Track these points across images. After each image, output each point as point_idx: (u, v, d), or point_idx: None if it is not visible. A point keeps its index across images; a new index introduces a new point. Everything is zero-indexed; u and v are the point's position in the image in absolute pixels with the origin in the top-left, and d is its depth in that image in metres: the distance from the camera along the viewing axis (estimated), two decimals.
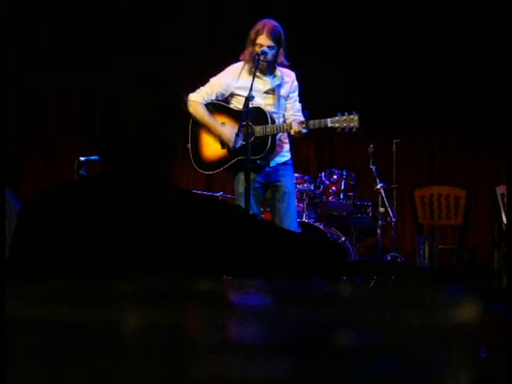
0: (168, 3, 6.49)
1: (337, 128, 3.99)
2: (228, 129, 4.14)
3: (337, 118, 3.99)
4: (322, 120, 4.04)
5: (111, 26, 6.43)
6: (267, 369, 0.45)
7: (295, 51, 4.21)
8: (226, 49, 4.29)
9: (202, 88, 4.19)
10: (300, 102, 4.28)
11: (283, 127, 4.06)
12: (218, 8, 6.35)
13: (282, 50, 4.08)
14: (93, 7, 6.43)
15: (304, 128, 3.98)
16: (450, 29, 6.34)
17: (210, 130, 4.20)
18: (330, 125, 3.99)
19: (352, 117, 3.98)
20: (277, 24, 4.08)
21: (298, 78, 4.26)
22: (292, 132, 4.03)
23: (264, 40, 4.03)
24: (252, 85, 3.83)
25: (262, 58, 3.99)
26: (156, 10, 6.48)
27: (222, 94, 4.18)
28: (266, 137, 4.05)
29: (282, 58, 4.10)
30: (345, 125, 3.97)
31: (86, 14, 6.46)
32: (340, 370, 0.46)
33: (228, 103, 4.22)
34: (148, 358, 0.45)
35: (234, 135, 4.02)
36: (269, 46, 4.02)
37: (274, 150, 4.12)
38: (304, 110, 4.23)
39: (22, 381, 0.46)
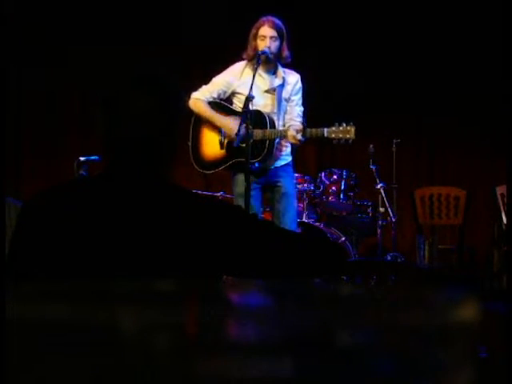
0: (170, 3, 6.48)
1: (333, 139, 3.97)
2: (231, 121, 4.12)
3: (333, 128, 3.96)
4: (319, 129, 4.01)
5: (113, 25, 6.42)
6: (267, 369, 0.45)
7: (295, 50, 4.19)
8: (234, 48, 4.27)
9: (204, 86, 4.21)
10: (303, 106, 4.22)
11: (280, 133, 4.03)
12: (228, 7, 6.32)
13: (285, 43, 4.06)
14: (94, 7, 6.42)
15: (302, 136, 3.95)
16: (450, 29, 6.33)
17: (212, 123, 4.19)
18: (326, 135, 3.98)
19: (349, 128, 3.94)
20: (277, 19, 4.08)
21: (303, 81, 4.22)
22: (289, 139, 4.00)
23: (266, 30, 4.01)
24: (252, 83, 3.81)
25: (262, 57, 3.97)
26: (157, 10, 6.47)
27: (224, 92, 4.17)
28: (264, 141, 4.03)
29: (286, 52, 4.08)
30: (341, 135, 3.94)
31: (86, 14, 6.45)
32: (340, 369, 0.46)
33: (230, 102, 4.21)
34: (148, 358, 0.45)
35: (236, 129, 4.02)
36: (271, 37, 4.00)
37: (272, 154, 4.09)
38: (305, 115, 4.19)
39: (22, 381, 0.46)
